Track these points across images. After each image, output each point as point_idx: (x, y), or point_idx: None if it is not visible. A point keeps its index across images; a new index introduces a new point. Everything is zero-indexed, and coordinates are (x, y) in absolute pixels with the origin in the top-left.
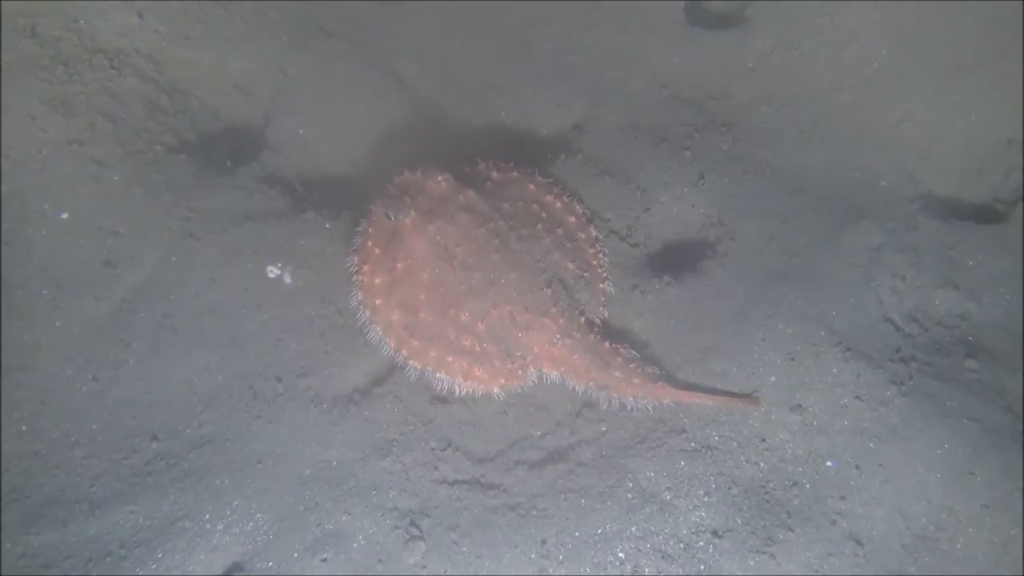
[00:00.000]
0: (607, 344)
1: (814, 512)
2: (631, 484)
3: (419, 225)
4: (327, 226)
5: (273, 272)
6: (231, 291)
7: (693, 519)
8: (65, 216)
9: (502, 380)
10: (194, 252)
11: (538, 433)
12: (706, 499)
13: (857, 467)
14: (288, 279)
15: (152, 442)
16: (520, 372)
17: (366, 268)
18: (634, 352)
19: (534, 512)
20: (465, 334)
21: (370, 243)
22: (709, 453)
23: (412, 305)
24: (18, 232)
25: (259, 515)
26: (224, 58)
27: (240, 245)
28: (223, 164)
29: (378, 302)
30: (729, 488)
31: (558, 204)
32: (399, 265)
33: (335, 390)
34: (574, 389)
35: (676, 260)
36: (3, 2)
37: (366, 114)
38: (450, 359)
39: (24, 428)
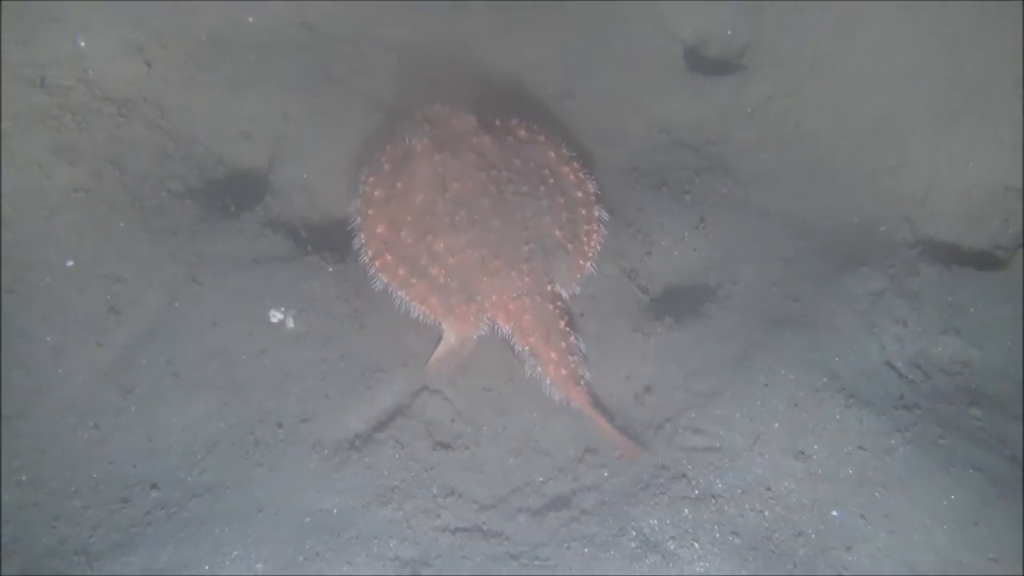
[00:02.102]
0: (562, 324)
1: (820, 563)
2: (634, 532)
3: (427, 152)
4: (330, 270)
5: (276, 316)
6: (234, 336)
7: (697, 569)
8: (71, 264)
9: (452, 318)
10: (198, 297)
11: (540, 479)
12: (710, 549)
13: (863, 517)
14: (291, 323)
15: (152, 491)
16: (473, 318)
17: (371, 179)
18: (581, 347)
19: (536, 561)
20: (435, 263)
21: (383, 159)
22: (713, 501)
23: (397, 223)
24: (22, 280)
25: (259, 565)
26: (229, 104)
27: (244, 289)
28: (227, 209)
29: (370, 212)
30: (733, 538)
31: (571, 177)
32: (399, 184)
33: (337, 435)
34: (513, 348)
35: (678, 303)
36: (10, 53)
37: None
38: (414, 281)
39: (24, 478)
